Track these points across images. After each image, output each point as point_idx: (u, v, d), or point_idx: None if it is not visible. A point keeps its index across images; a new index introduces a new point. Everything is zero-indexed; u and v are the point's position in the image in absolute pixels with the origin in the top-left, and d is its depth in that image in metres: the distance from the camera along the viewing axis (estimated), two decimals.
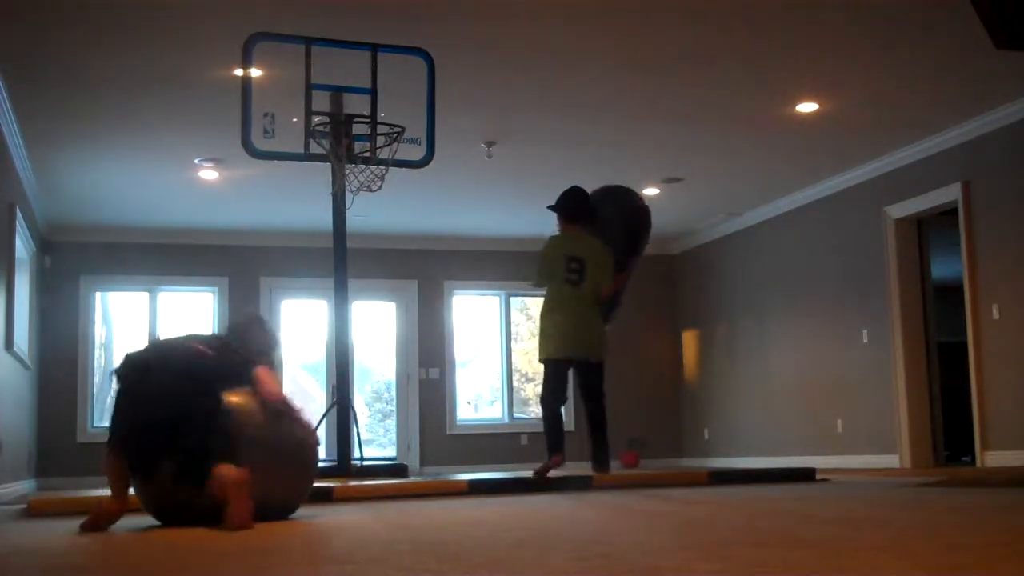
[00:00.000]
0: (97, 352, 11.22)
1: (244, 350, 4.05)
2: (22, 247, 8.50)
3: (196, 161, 8.58)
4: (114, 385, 3.95)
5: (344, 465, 6.56)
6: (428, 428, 11.59)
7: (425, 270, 11.76)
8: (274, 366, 4.20)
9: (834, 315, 9.66)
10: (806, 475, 6.41)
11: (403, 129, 6.40)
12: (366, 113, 6.33)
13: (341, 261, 6.78)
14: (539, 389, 6.65)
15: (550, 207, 6.27)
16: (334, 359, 7.19)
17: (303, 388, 12.73)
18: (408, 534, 3.27)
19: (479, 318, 12.25)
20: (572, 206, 6.22)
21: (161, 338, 4.23)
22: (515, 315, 12.31)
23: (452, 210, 10.54)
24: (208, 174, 8.89)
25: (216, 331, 4.53)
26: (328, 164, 6.44)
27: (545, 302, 6.16)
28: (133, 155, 8.41)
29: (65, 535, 3.60)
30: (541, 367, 6.36)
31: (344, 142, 6.33)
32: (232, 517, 3.44)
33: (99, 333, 11.26)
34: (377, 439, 12.05)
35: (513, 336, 12.16)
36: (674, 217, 11.08)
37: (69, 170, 8.73)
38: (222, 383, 3.87)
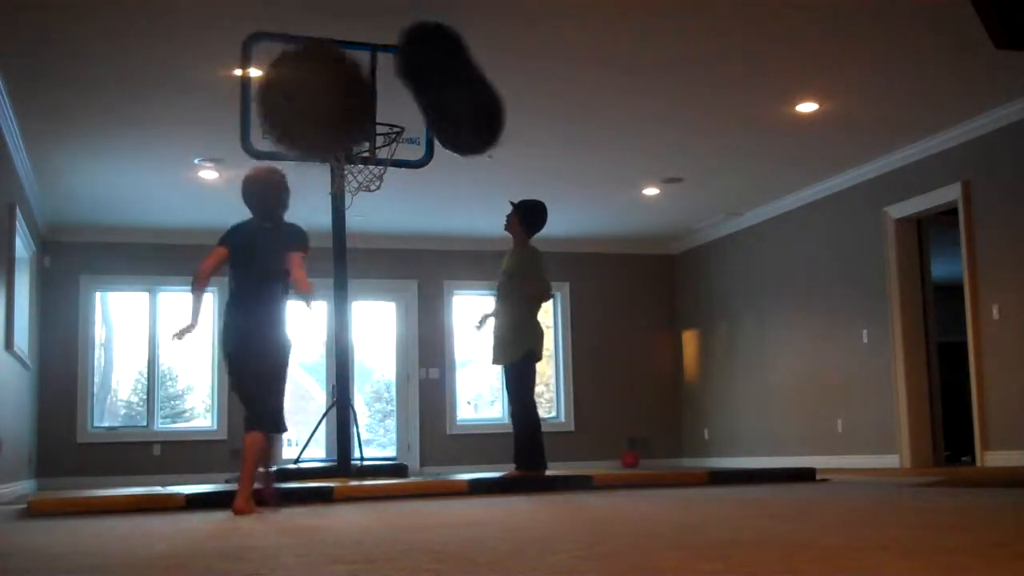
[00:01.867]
0: (97, 352, 11.22)
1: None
2: (22, 247, 8.50)
3: (196, 161, 8.58)
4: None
5: (344, 465, 6.55)
6: (428, 428, 11.59)
7: (425, 270, 11.76)
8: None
9: (834, 315, 9.66)
10: (806, 475, 6.41)
11: (403, 129, 6.40)
12: None
13: (341, 261, 6.78)
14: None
15: (521, 211, 6.48)
16: (334, 359, 7.19)
17: (303, 388, 12.75)
18: (408, 534, 3.27)
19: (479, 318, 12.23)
20: (540, 222, 6.58)
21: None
22: None
23: (452, 210, 10.54)
24: (208, 174, 8.89)
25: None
26: (327, 164, 6.43)
27: (527, 305, 6.40)
28: (133, 155, 8.41)
29: (65, 535, 3.59)
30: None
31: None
32: None
33: (99, 333, 11.26)
34: (377, 439, 12.05)
35: None
36: (674, 217, 11.08)
37: (69, 170, 8.72)
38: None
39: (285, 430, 4.90)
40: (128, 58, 6.41)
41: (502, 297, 6.50)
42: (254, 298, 4.80)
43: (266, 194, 4.98)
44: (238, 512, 4.52)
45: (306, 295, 4.75)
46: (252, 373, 4.78)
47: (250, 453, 4.68)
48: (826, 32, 6.27)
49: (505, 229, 6.64)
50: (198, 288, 4.84)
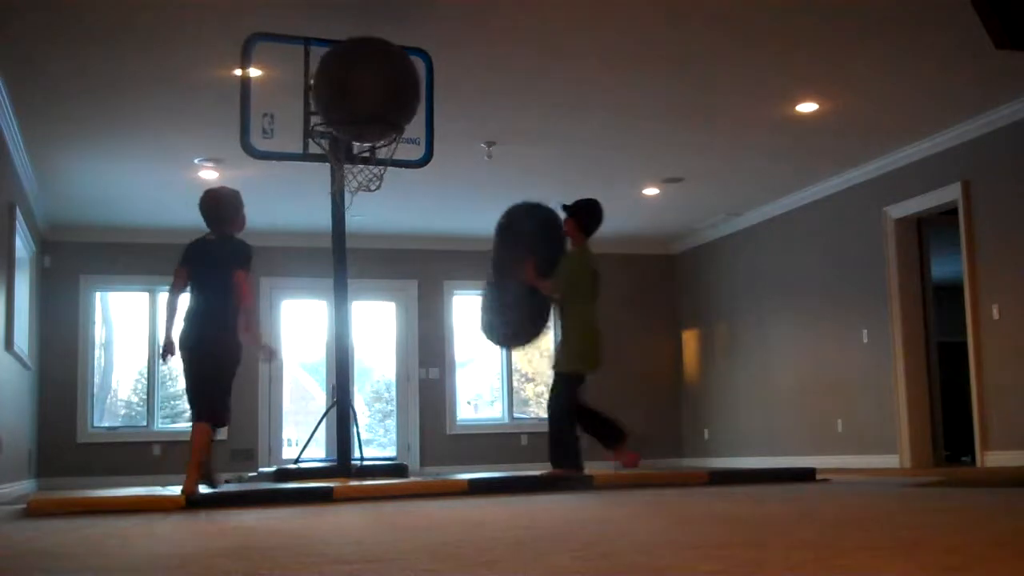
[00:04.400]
0: (97, 352, 11.21)
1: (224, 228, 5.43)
2: (22, 247, 8.50)
3: (196, 161, 8.58)
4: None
5: (344, 465, 6.55)
6: (428, 428, 11.59)
7: (425, 270, 11.76)
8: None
9: (834, 315, 9.66)
10: (806, 475, 6.41)
11: (403, 129, 6.39)
12: None
13: (341, 261, 6.78)
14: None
15: (571, 214, 6.40)
16: (334, 359, 7.19)
17: (303, 388, 12.74)
18: (408, 534, 3.27)
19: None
20: (596, 222, 6.42)
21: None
22: None
23: (452, 210, 10.54)
24: (208, 174, 8.89)
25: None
26: (327, 164, 6.43)
27: (575, 316, 6.33)
28: (133, 155, 8.41)
29: (65, 535, 3.59)
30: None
31: (343, 142, 6.31)
32: None
33: (99, 333, 11.26)
34: (377, 439, 12.05)
35: None
36: (674, 217, 11.08)
37: (69, 170, 8.73)
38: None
39: (221, 424, 5.34)
40: (128, 58, 6.41)
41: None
42: (204, 305, 5.31)
43: (212, 209, 5.46)
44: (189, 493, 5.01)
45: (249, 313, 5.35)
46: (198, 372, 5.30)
47: (197, 442, 5.18)
48: (826, 32, 6.27)
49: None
50: (171, 316, 5.37)
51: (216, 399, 5.25)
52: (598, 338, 6.39)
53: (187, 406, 5.50)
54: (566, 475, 6.05)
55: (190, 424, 5.31)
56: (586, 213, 6.42)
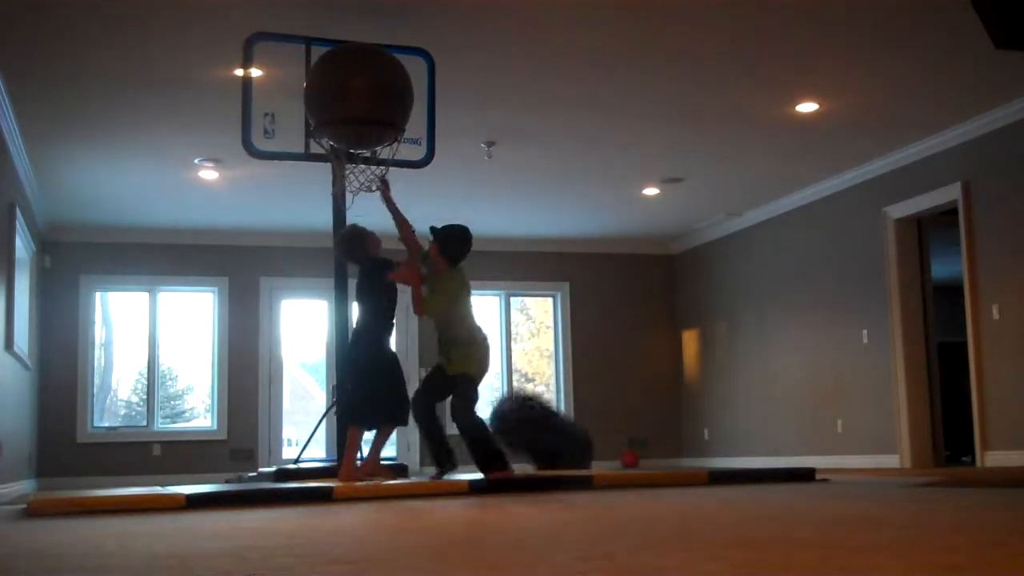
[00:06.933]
0: (97, 352, 11.22)
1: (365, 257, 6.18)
2: (22, 247, 8.50)
3: (196, 161, 8.58)
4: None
5: None
6: None
7: None
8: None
9: (834, 315, 9.66)
10: (806, 475, 6.40)
11: (403, 129, 6.38)
12: None
13: (341, 261, 6.77)
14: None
15: (435, 238, 6.32)
16: (334, 359, 7.19)
17: (303, 388, 12.74)
18: (408, 534, 3.27)
19: (478, 318, 12.21)
20: (457, 251, 6.37)
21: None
22: (515, 315, 12.30)
23: (452, 210, 10.51)
24: (208, 174, 8.89)
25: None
26: (328, 164, 6.43)
27: (464, 325, 6.50)
28: (133, 155, 8.41)
29: (65, 535, 3.59)
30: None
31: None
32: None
33: (99, 333, 11.26)
34: None
35: (513, 336, 12.16)
36: (674, 217, 11.08)
37: (69, 170, 8.73)
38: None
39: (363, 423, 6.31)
40: (128, 58, 6.41)
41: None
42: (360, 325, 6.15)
43: (340, 255, 6.32)
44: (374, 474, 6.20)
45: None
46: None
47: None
48: (826, 32, 6.28)
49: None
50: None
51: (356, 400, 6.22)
52: (484, 346, 6.55)
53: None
54: (506, 473, 5.99)
55: (361, 428, 6.30)
56: (445, 242, 6.32)
